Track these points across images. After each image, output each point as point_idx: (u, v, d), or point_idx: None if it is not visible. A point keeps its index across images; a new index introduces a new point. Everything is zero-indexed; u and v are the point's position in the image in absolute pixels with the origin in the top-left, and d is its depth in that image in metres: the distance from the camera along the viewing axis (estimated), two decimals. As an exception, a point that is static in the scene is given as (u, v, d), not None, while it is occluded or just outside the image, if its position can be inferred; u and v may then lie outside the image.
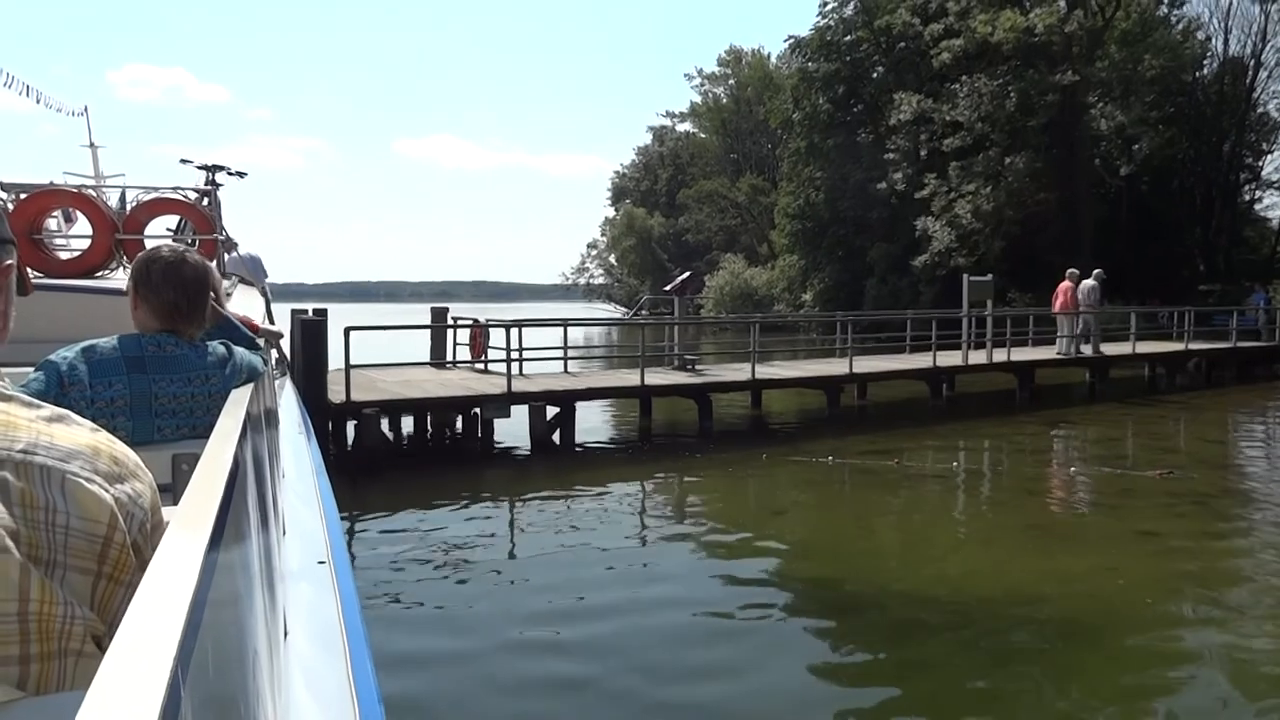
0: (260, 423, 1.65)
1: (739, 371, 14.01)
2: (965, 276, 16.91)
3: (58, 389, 1.88)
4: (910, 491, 9.03)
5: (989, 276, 16.93)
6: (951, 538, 7.57)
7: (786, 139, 42.93)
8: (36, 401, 0.83)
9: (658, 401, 13.33)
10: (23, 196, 8.60)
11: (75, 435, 0.82)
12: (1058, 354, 17.38)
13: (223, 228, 9.35)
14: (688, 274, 16.22)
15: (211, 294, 2.27)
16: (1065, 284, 17.35)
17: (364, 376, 11.50)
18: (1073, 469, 10.25)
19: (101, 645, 0.77)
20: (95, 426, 0.86)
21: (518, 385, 11.28)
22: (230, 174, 9.56)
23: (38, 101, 9.33)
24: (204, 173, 9.22)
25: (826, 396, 13.95)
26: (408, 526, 7.73)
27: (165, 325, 2.08)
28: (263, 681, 0.85)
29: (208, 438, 1.01)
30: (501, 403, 11.00)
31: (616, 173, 76.44)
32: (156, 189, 9.26)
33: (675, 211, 62.52)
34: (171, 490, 1.65)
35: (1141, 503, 8.33)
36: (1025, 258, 28.63)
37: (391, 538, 7.39)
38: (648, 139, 72.76)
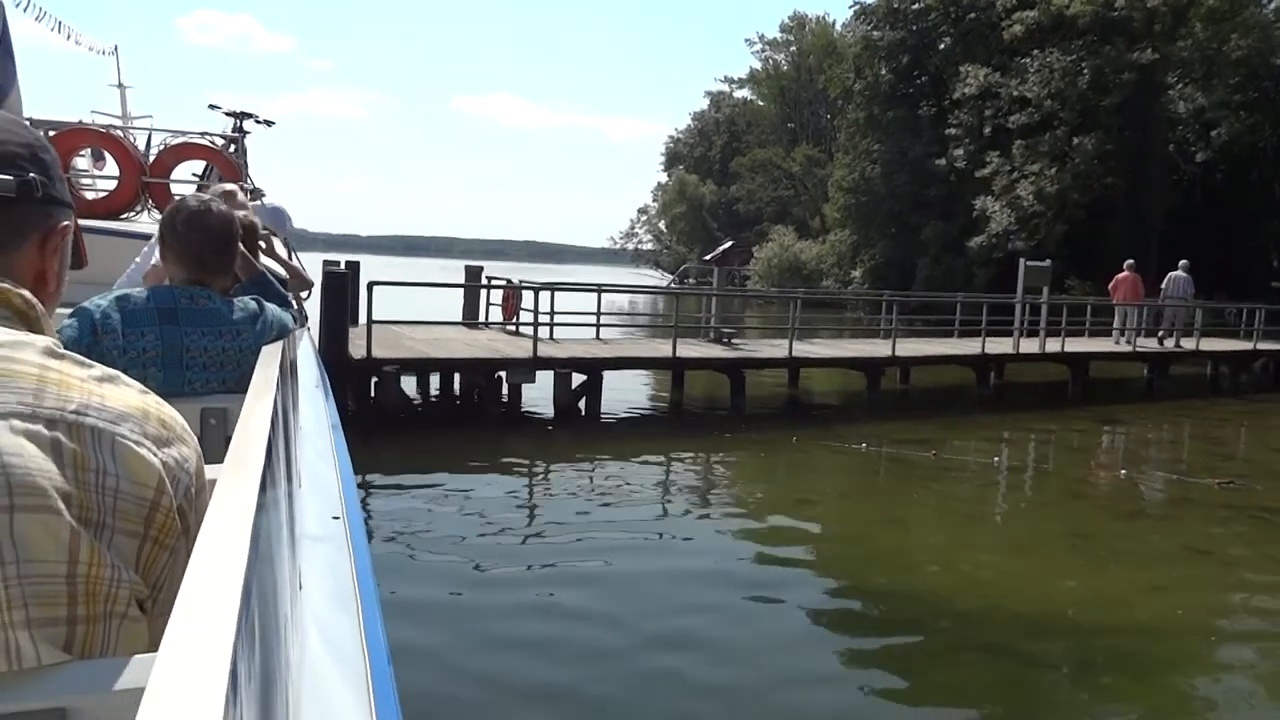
0: (286, 376, 1.63)
1: (777, 348, 13.55)
2: (1022, 260, 16.13)
3: (91, 336, 1.89)
4: (947, 486, 8.57)
5: (1047, 262, 16.13)
6: (987, 541, 7.12)
7: (845, 109, 41.66)
8: (87, 360, 0.82)
9: (691, 375, 12.94)
10: (51, 134, 8.48)
11: (125, 397, 0.81)
12: (1115, 345, 16.60)
13: (249, 175, 9.16)
14: (730, 243, 15.73)
15: (242, 246, 2.26)
16: (1124, 274, 16.61)
17: (391, 333, 11.30)
18: (1123, 472, 9.67)
19: (144, 608, 0.78)
20: (144, 388, 0.85)
21: (545, 350, 10.99)
22: (258, 122, 9.36)
23: (68, 38, 9.16)
24: (232, 119, 9.02)
25: (867, 379, 13.41)
26: (420, 486, 7.57)
27: (192, 275, 2.08)
28: (287, 633, 0.86)
29: (236, 392, 1.00)
30: (526, 367, 10.71)
31: (671, 138, 75.67)
32: (184, 133, 9.10)
33: (728, 180, 61.61)
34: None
35: (1198, 514, 7.78)
36: (1087, 244, 27.46)
37: (403, 497, 7.27)
38: (705, 104, 71.76)
